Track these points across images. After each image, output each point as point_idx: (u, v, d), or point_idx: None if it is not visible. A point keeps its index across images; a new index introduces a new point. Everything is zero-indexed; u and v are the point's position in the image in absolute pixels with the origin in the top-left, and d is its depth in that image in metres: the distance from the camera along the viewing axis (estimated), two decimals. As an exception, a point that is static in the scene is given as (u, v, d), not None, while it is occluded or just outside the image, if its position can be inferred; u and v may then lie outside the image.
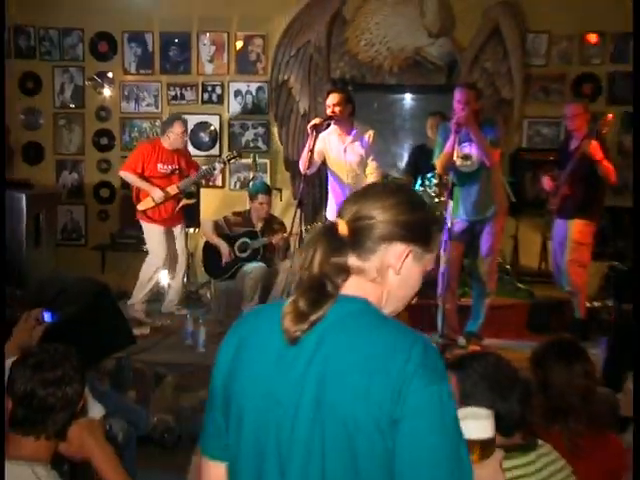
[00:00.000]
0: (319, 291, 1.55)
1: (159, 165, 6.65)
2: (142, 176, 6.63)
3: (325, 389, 1.48)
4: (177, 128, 6.65)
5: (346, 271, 1.58)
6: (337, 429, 1.45)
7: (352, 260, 1.59)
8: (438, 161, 5.89)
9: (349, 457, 1.44)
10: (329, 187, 6.29)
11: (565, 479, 2.35)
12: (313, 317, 1.53)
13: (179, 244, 6.93)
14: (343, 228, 1.60)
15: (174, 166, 6.70)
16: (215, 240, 6.71)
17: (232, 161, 7.21)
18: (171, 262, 6.85)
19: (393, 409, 1.42)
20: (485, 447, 1.66)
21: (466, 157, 5.78)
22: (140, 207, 6.69)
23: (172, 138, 6.65)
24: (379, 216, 1.59)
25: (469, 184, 5.82)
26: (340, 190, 6.10)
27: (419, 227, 1.63)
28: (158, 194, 6.59)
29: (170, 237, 6.82)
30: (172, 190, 6.66)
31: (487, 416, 1.71)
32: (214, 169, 6.90)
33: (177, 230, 6.90)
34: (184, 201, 6.81)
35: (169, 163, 6.68)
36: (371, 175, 5.96)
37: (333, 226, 1.61)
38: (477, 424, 1.66)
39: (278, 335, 1.55)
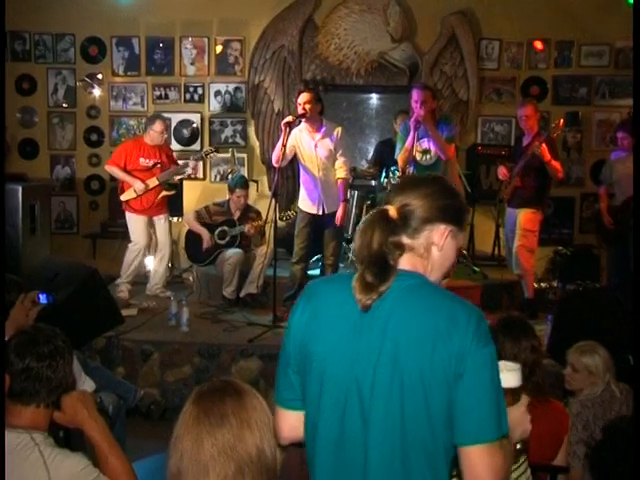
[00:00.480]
0: (382, 265, 1.70)
1: (141, 159, 6.62)
2: (125, 170, 6.60)
3: (400, 350, 1.64)
4: (157, 126, 6.64)
5: (401, 248, 1.74)
6: (414, 382, 1.62)
7: (404, 239, 1.75)
8: (400, 155, 5.88)
9: (423, 404, 1.62)
10: (301, 179, 6.25)
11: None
12: (382, 288, 1.68)
13: (163, 232, 6.87)
14: (394, 213, 1.75)
15: (156, 160, 6.66)
16: (196, 228, 6.68)
17: (209, 156, 7.20)
18: (155, 248, 6.82)
19: (458, 366, 1.60)
20: (514, 393, 1.79)
21: (425, 151, 5.79)
22: (123, 198, 6.66)
23: (153, 135, 6.64)
24: (420, 202, 1.76)
25: (428, 176, 5.82)
26: (311, 182, 6.07)
27: (454, 210, 1.82)
28: (139, 186, 6.55)
29: (152, 226, 6.79)
30: (152, 182, 6.61)
31: (517, 369, 1.81)
32: (189, 165, 7.02)
33: (161, 219, 6.84)
34: (164, 192, 6.76)
35: (151, 157, 6.65)
36: (340, 169, 5.93)
37: (385, 211, 1.76)
38: (508, 375, 1.76)
39: (352, 305, 1.70)
